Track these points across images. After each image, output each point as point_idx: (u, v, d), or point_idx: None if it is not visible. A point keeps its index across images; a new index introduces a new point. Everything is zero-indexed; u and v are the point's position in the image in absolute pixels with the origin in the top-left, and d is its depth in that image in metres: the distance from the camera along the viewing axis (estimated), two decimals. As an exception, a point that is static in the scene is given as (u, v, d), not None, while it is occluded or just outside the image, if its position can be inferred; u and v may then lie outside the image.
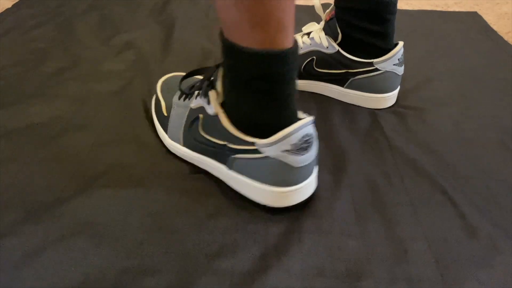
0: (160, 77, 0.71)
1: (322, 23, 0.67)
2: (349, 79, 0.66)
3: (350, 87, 0.67)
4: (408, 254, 0.44)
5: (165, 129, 0.55)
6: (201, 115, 0.48)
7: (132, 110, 0.63)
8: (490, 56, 0.83)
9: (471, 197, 0.50)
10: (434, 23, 0.97)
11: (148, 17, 0.93)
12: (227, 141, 0.46)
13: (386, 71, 0.64)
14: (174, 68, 0.74)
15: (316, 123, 0.62)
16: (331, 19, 0.65)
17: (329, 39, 0.65)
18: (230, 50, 0.41)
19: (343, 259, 0.43)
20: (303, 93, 0.69)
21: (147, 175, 0.52)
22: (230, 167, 0.47)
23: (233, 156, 0.46)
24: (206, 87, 0.46)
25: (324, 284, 0.40)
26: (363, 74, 0.65)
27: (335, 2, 0.65)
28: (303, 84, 0.70)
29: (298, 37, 0.69)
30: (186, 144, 0.52)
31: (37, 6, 0.96)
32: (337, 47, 0.64)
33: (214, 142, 0.48)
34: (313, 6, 1.01)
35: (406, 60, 0.80)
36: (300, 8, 1.00)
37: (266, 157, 0.43)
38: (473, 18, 1.00)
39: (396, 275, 0.41)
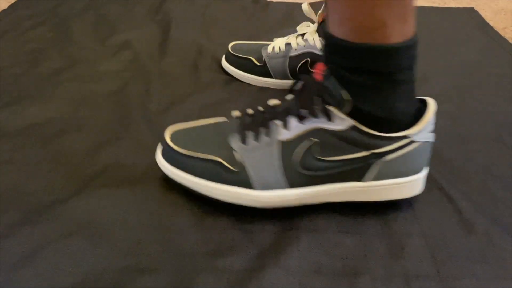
0: (157, 77, 0.71)
1: (315, 24, 0.67)
2: None
3: None
4: (405, 250, 0.44)
5: (243, 185, 0.44)
6: (316, 140, 0.42)
7: (129, 110, 0.63)
8: (487, 52, 0.83)
9: (467, 192, 0.50)
10: (431, 19, 0.97)
11: (145, 16, 0.93)
12: (372, 148, 0.42)
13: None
14: (171, 68, 0.74)
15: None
16: (323, 20, 0.65)
17: (322, 41, 0.65)
18: (371, 49, 0.39)
19: (340, 256, 0.43)
20: (300, 91, 0.69)
21: (144, 175, 0.52)
22: (368, 178, 0.43)
23: (380, 160, 0.42)
24: (321, 105, 0.40)
25: (321, 281, 0.40)
26: None
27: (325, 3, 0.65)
28: (299, 82, 0.70)
29: (292, 38, 0.69)
30: (293, 184, 0.43)
31: (33, 7, 0.96)
32: None
33: (350, 159, 0.42)
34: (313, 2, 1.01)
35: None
36: (297, 6, 1.00)
37: (419, 145, 0.43)
38: (470, 14, 1.00)
39: (392, 271, 0.42)
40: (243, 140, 0.44)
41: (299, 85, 0.44)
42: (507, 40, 0.87)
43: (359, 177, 0.44)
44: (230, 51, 0.73)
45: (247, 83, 0.71)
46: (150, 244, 0.43)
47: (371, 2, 0.37)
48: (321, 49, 0.65)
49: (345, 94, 0.40)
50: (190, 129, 0.48)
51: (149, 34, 0.85)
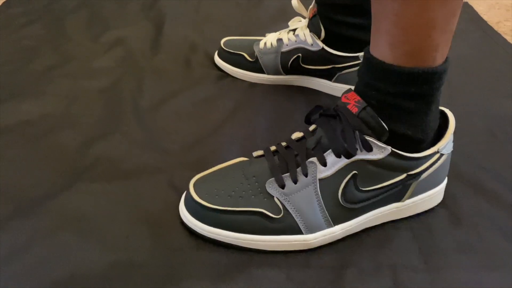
0: (150, 73, 0.71)
1: (306, 20, 0.67)
2: (336, 73, 0.67)
3: (338, 81, 0.67)
4: (393, 243, 0.44)
5: (290, 231, 0.42)
6: (354, 172, 0.41)
7: (122, 106, 0.64)
8: (479, 45, 0.83)
9: (456, 185, 0.51)
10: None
11: (139, 13, 0.93)
12: (409, 170, 0.43)
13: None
14: (164, 64, 0.75)
15: (303, 114, 0.63)
16: (314, 16, 0.65)
17: (313, 36, 0.65)
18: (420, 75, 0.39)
19: (328, 249, 0.43)
20: (292, 87, 0.70)
21: (134, 170, 0.52)
22: (406, 198, 0.45)
23: (416, 181, 0.44)
24: (358, 138, 0.40)
25: (310, 274, 0.41)
26: (349, 68, 0.66)
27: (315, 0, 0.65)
28: (291, 79, 0.70)
29: (284, 33, 0.69)
30: (337, 220, 0.43)
31: (27, 4, 0.96)
32: (322, 44, 0.65)
33: (390, 184, 0.43)
34: None
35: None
36: (290, 2, 1.00)
37: (446, 156, 0.45)
38: (464, 8, 1.00)
39: (380, 263, 0.42)
40: (281, 185, 0.42)
41: (320, 115, 0.44)
42: (500, 35, 0.88)
43: (398, 199, 0.45)
44: (223, 47, 0.73)
45: (239, 79, 0.72)
46: (139, 238, 0.44)
47: (429, 26, 0.38)
48: (312, 45, 0.65)
49: (382, 124, 0.40)
50: (213, 177, 0.45)
51: (142, 30, 0.86)
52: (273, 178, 0.42)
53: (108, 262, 0.41)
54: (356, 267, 0.41)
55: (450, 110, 0.64)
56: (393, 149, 0.41)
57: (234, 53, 0.72)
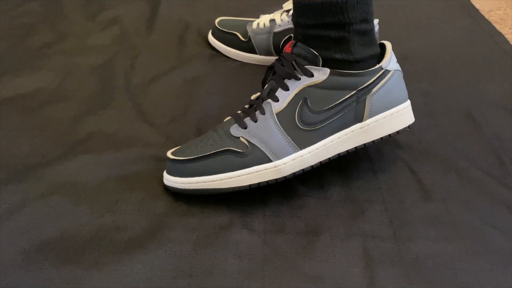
0: (143, 51, 0.73)
1: None
2: None
3: None
4: (365, 214, 0.47)
5: (260, 161, 0.45)
6: (304, 97, 0.46)
7: (115, 82, 0.66)
8: (469, 33, 0.85)
9: (430, 164, 0.53)
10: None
11: (135, -7, 0.94)
12: (356, 87, 0.46)
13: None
14: (157, 43, 0.76)
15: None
16: None
17: None
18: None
19: (304, 217, 0.46)
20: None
21: (125, 143, 0.54)
22: (366, 117, 0.48)
23: (368, 95, 0.47)
24: (296, 66, 0.46)
25: (284, 239, 0.44)
26: None
27: None
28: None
29: (277, 14, 0.70)
30: (302, 144, 0.46)
31: (25, -18, 0.97)
32: None
33: (342, 102, 0.46)
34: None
35: (383, 37, 0.81)
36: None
37: (393, 73, 0.48)
38: (457, -3, 1.01)
39: (351, 231, 0.45)
40: (243, 126, 0.46)
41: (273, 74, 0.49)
42: (490, 22, 0.89)
43: (359, 119, 0.48)
44: (217, 26, 0.75)
45: (231, 58, 0.73)
46: (127, 204, 0.46)
47: None
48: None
49: (312, 51, 0.46)
50: (187, 144, 0.49)
51: (138, 10, 0.87)
52: (235, 124, 0.47)
53: (95, 225, 0.44)
54: (329, 234, 0.44)
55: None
56: (332, 69, 0.46)
57: (227, 32, 0.73)
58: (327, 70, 0.45)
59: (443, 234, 0.45)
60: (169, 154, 0.47)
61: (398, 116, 0.49)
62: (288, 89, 0.46)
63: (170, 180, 0.46)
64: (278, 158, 0.45)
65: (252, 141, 0.46)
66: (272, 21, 0.70)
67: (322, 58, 0.46)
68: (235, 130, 0.47)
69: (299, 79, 0.46)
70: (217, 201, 0.47)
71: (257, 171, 0.45)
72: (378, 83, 0.47)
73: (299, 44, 0.47)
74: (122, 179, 0.49)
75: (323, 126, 0.46)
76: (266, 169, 0.45)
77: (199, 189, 0.46)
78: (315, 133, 0.46)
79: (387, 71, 0.48)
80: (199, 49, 0.75)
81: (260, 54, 0.72)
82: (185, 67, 0.70)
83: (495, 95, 0.66)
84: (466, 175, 0.51)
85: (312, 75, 0.46)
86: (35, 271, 0.39)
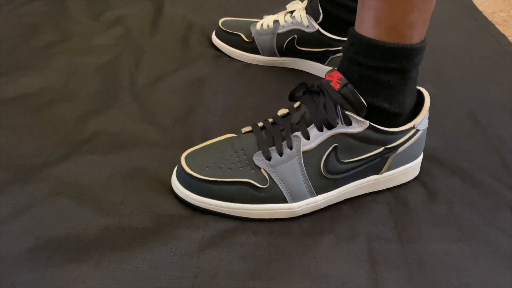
0: (147, 51, 0.73)
1: (305, 2, 0.69)
2: (329, 57, 0.69)
3: (331, 64, 0.69)
4: (370, 215, 0.47)
5: (276, 200, 0.45)
6: (335, 145, 0.44)
7: (119, 82, 0.66)
8: (472, 35, 0.85)
9: (435, 165, 0.53)
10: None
11: (139, -7, 0.95)
12: (386, 144, 0.46)
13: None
14: (162, 43, 0.76)
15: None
16: None
17: (309, 18, 0.67)
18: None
19: (309, 218, 0.46)
20: (284, 69, 0.72)
21: (130, 143, 0.55)
22: (384, 170, 0.47)
23: (393, 154, 0.46)
24: (340, 112, 0.43)
25: (289, 240, 0.44)
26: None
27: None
28: (285, 61, 0.72)
29: (281, 15, 0.71)
30: (320, 190, 0.45)
31: (29, -18, 0.98)
32: (317, 26, 0.66)
33: (368, 157, 0.45)
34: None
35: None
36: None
37: (421, 132, 0.48)
38: (460, -2, 1.01)
39: (356, 232, 0.45)
40: (268, 157, 0.44)
41: (304, 93, 0.46)
42: (493, 25, 0.89)
43: (377, 171, 0.48)
44: (221, 26, 0.75)
45: (235, 59, 0.74)
46: (132, 205, 0.46)
47: (409, 4, 0.41)
48: (307, 26, 0.67)
49: (362, 100, 0.43)
50: (203, 151, 0.47)
51: (142, 10, 0.87)
52: (260, 151, 0.45)
53: (101, 225, 0.44)
54: (334, 235, 0.44)
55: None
56: (371, 123, 0.44)
57: (231, 33, 0.73)
58: (367, 124, 0.43)
59: (447, 235, 0.45)
60: (185, 165, 0.45)
61: (411, 171, 0.50)
62: (322, 130, 0.44)
63: (183, 192, 0.46)
64: (295, 200, 0.45)
65: (274, 178, 0.44)
66: (276, 22, 0.70)
67: (368, 105, 0.43)
68: (258, 159, 0.44)
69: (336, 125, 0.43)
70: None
71: (271, 209, 0.45)
72: (406, 142, 0.47)
73: (350, 86, 0.43)
74: (127, 179, 0.49)
75: (344, 176, 0.46)
76: (280, 209, 0.45)
77: (210, 210, 0.45)
78: (334, 181, 0.46)
79: (417, 131, 0.47)
80: (203, 50, 0.75)
81: (264, 55, 0.72)
82: (189, 68, 0.70)
83: (499, 97, 0.66)
84: (470, 177, 0.52)
85: (350, 124, 0.43)
86: (40, 269, 0.39)
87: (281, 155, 0.44)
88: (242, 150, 0.46)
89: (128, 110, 0.60)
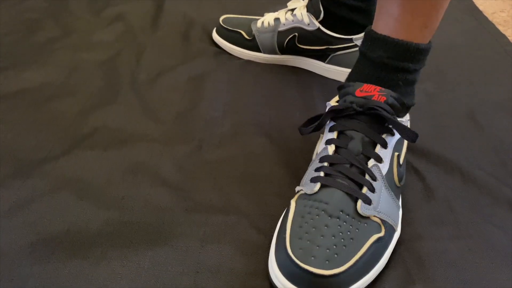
0: (148, 48, 0.73)
1: (306, 0, 0.69)
2: (329, 55, 0.69)
3: (331, 62, 0.69)
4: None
5: (393, 231, 0.42)
6: (397, 154, 0.44)
7: (120, 78, 0.66)
8: (472, 35, 0.85)
9: (433, 163, 0.53)
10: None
11: (140, -10, 0.95)
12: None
13: (365, 46, 0.66)
14: (162, 40, 0.76)
15: (296, 94, 0.65)
16: None
17: (310, 16, 0.67)
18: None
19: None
20: (285, 67, 0.72)
21: (131, 138, 0.55)
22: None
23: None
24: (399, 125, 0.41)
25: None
26: (343, 50, 0.68)
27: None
28: (286, 59, 0.72)
29: (282, 13, 0.71)
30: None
31: (30, -23, 0.97)
32: (318, 24, 0.66)
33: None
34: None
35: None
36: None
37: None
38: (460, -2, 1.01)
39: (356, 230, 0.45)
40: (368, 201, 0.40)
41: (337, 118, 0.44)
42: (494, 25, 0.89)
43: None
44: (221, 24, 0.75)
45: (235, 56, 0.74)
46: (133, 199, 0.47)
47: (428, 4, 0.42)
48: (308, 24, 0.67)
49: (404, 103, 0.43)
50: (302, 230, 0.38)
51: (143, 7, 0.87)
52: (360, 200, 0.39)
53: (102, 220, 0.44)
54: (333, 233, 0.44)
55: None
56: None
57: (232, 30, 0.73)
58: (408, 122, 0.45)
59: (446, 233, 0.45)
60: (293, 256, 0.36)
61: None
62: (387, 147, 0.41)
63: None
64: (397, 224, 0.43)
65: (384, 218, 0.40)
66: (277, 19, 0.70)
67: None
68: (364, 209, 0.39)
69: (394, 134, 0.42)
70: (225, 200, 0.47)
71: (391, 247, 0.41)
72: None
73: (393, 94, 0.42)
74: (128, 174, 0.49)
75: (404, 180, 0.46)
76: (394, 243, 0.42)
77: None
78: (401, 188, 0.45)
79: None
80: (204, 46, 0.75)
81: (264, 53, 0.72)
82: (190, 64, 0.70)
83: (498, 97, 0.67)
84: (469, 175, 0.52)
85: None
86: (42, 264, 0.40)
87: (373, 192, 0.40)
88: (341, 211, 0.39)
89: (129, 106, 0.60)
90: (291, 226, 0.39)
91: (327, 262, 0.36)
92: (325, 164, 0.42)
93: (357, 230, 0.38)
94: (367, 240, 0.38)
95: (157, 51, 0.73)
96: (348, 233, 0.38)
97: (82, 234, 0.43)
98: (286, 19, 0.69)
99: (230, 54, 0.74)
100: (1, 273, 0.39)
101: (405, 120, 0.46)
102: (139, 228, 0.44)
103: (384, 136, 0.42)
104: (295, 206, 0.41)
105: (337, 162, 0.41)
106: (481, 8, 0.98)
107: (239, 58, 0.73)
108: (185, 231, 0.43)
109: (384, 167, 0.41)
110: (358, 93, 0.42)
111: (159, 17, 0.83)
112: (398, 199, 0.44)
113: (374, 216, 0.40)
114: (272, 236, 0.43)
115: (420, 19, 0.43)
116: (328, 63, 0.70)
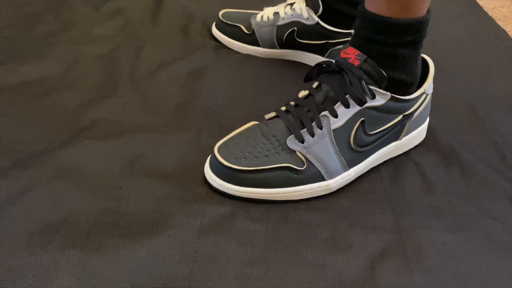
0: (148, 42, 0.73)
1: None
2: (329, 49, 0.69)
3: (330, 57, 0.69)
4: (367, 205, 0.47)
5: (314, 179, 0.46)
6: (362, 119, 0.46)
7: (119, 72, 0.66)
8: (473, 30, 0.85)
9: (433, 157, 0.53)
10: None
11: (140, -15, 0.95)
12: (405, 111, 0.48)
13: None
14: (162, 34, 0.76)
15: (294, 88, 0.65)
16: None
17: (309, 10, 0.67)
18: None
19: (307, 209, 0.46)
20: (285, 61, 0.72)
21: (129, 130, 0.55)
22: (402, 136, 0.51)
23: (409, 120, 0.50)
24: (365, 89, 0.45)
25: (287, 228, 0.44)
26: (342, 44, 0.67)
27: None
28: (285, 53, 0.72)
29: (281, 7, 0.71)
30: (352, 164, 0.48)
31: (30, -28, 0.98)
32: (317, 19, 0.66)
33: (391, 126, 0.48)
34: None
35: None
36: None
37: (429, 96, 0.52)
38: (461, -6, 1.01)
39: (353, 223, 0.45)
40: (301, 140, 0.45)
41: (320, 73, 0.47)
42: (493, 20, 0.89)
43: (396, 138, 0.51)
44: (221, 18, 0.75)
45: (235, 50, 0.74)
46: (130, 190, 0.47)
47: None
48: (307, 19, 0.67)
49: (382, 73, 0.45)
50: (234, 141, 0.47)
51: (142, 1, 0.87)
52: (292, 135, 0.46)
53: (99, 210, 0.44)
54: (330, 226, 0.44)
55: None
56: (392, 95, 0.46)
57: (231, 24, 0.73)
58: (388, 95, 0.46)
59: (445, 225, 0.45)
60: (220, 158, 0.45)
61: (422, 132, 0.54)
62: (349, 107, 0.45)
63: (223, 185, 0.46)
64: (331, 177, 0.47)
65: (309, 159, 0.46)
66: (276, 14, 0.70)
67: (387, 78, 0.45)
68: (292, 143, 0.46)
69: (366, 101, 0.45)
70: (221, 191, 0.47)
71: (310, 189, 0.46)
72: (419, 107, 0.50)
73: (369, 61, 0.45)
74: (126, 165, 0.50)
75: (371, 147, 0.48)
76: (319, 188, 0.46)
77: (252, 198, 0.46)
78: (363, 153, 0.48)
79: (427, 95, 0.50)
80: (203, 41, 0.75)
81: (264, 47, 0.72)
82: (189, 58, 0.70)
83: (498, 91, 0.67)
84: (468, 168, 0.52)
85: (374, 97, 0.45)
86: (40, 253, 0.40)
87: (313, 136, 0.45)
88: (274, 136, 0.47)
89: (128, 99, 0.60)
90: (231, 136, 0.48)
91: (234, 159, 0.45)
92: (292, 103, 0.48)
93: (276, 154, 0.46)
94: (278, 163, 0.45)
95: (157, 45, 0.73)
96: (267, 151, 0.46)
97: (80, 224, 0.43)
98: (285, 13, 0.69)
99: (230, 49, 0.74)
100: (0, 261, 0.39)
101: (386, 93, 0.46)
102: (136, 218, 0.44)
103: (348, 97, 0.45)
104: (249, 125, 0.49)
105: (299, 104, 0.47)
106: (481, 3, 0.98)
107: (238, 53, 0.73)
108: (182, 220, 0.43)
109: (336, 123, 0.45)
110: (342, 54, 0.47)
111: (158, 11, 0.83)
112: (351, 161, 0.47)
113: (300, 152, 0.45)
114: (269, 224, 0.43)
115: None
116: (327, 57, 0.70)
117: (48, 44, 0.72)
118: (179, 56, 0.70)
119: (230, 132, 0.49)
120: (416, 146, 0.55)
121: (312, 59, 0.71)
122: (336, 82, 0.45)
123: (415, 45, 0.47)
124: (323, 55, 0.70)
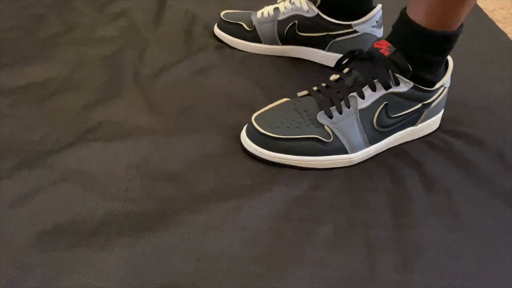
0: (151, 43, 0.74)
1: None
2: (329, 41, 0.70)
3: (331, 50, 0.70)
4: (368, 204, 0.48)
5: (338, 152, 0.52)
6: (386, 103, 0.51)
7: (123, 73, 0.67)
8: (472, 32, 0.85)
9: (434, 156, 0.54)
10: None
11: (142, -13, 0.95)
12: (424, 100, 0.53)
13: (365, 33, 0.67)
14: (165, 35, 0.77)
15: (296, 85, 0.66)
16: None
17: (308, 3, 0.68)
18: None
19: (308, 206, 0.47)
20: (286, 58, 0.73)
21: (134, 131, 0.56)
22: (419, 122, 0.56)
23: (427, 109, 0.55)
24: (390, 76, 0.50)
25: (290, 226, 0.45)
26: (342, 36, 0.69)
27: None
28: (287, 49, 0.73)
29: (281, 3, 0.71)
30: (373, 141, 0.53)
31: (34, -26, 0.98)
32: (317, 10, 0.67)
33: (410, 112, 0.53)
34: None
35: (387, 31, 0.82)
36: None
37: (447, 89, 0.56)
38: (461, -5, 1.02)
39: (355, 221, 0.46)
40: (330, 116, 0.51)
41: (351, 60, 0.53)
42: (493, 22, 0.90)
43: (413, 124, 0.56)
44: (222, 18, 0.76)
45: (237, 49, 0.74)
46: (136, 191, 0.47)
47: (459, 2, 0.48)
48: (307, 11, 0.68)
49: (408, 66, 0.50)
50: (269, 113, 0.53)
51: (145, 3, 0.88)
52: (322, 111, 0.51)
53: (106, 210, 0.45)
54: (332, 224, 0.45)
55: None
56: (415, 84, 0.51)
57: (232, 23, 0.74)
58: (411, 84, 0.51)
59: (444, 223, 0.46)
60: (257, 126, 0.51)
61: (437, 121, 0.58)
62: (375, 90, 0.50)
63: (256, 149, 0.51)
64: (353, 151, 0.52)
65: (336, 133, 0.51)
66: (276, 9, 0.71)
67: (413, 73, 0.50)
68: (321, 118, 0.51)
69: (391, 86, 0.50)
70: (226, 189, 0.48)
71: (334, 160, 0.52)
72: (437, 98, 0.55)
73: (398, 53, 0.50)
74: (131, 166, 0.50)
75: (391, 129, 0.53)
76: (342, 159, 0.52)
77: (281, 163, 0.51)
78: (383, 133, 0.53)
79: (444, 88, 0.56)
80: (206, 41, 0.76)
81: (265, 43, 0.73)
82: (193, 59, 0.71)
83: (497, 92, 0.67)
84: (468, 167, 0.53)
85: (398, 84, 0.50)
86: (48, 252, 0.40)
87: (341, 113, 0.51)
88: (305, 111, 0.52)
89: (133, 100, 0.61)
90: (267, 109, 0.54)
91: (269, 127, 0.51)
92: (323, 84, 0.54)
93: (306, 126, 0.51)
94: (308, 134, 0.51)
95: (160, 46, 0.74)
96: (298, 123, 0.52)
97: (87, 224, 0.44)
98: (285, 7, 0.70)
99: (232, 48, 0.75)
100: (8, 262, 0.40)
101: (410, 82, 0.51)
102: (142, 217, 0.45)
103: (376, 81, 0.50)
104: (282, 101, 0.54)
105: (330, 85, 0.53)
106: (481, 5, 0.98)
107: (241, 52, 0.74)
108: (186, 219, 0.44)
109: (363, 104, 0.51)
110: (375, 44, 0.52)
111: (161, 13, 0.84)
112: (372, 139, 0.53)
113: (328, 127, 0.51)
114: (272, 222, 0.44)
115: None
116: (328, 50, 0.71)
117: (52, 45, 0.73)
118: (183, 57, 0.71)
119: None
120: (416, 146, 0.56)
121: (314, 54, 0.72)
122: (366, 68, 0.51)
123: (444, 53, 0.52)
124: (324, 49, 0.71)
